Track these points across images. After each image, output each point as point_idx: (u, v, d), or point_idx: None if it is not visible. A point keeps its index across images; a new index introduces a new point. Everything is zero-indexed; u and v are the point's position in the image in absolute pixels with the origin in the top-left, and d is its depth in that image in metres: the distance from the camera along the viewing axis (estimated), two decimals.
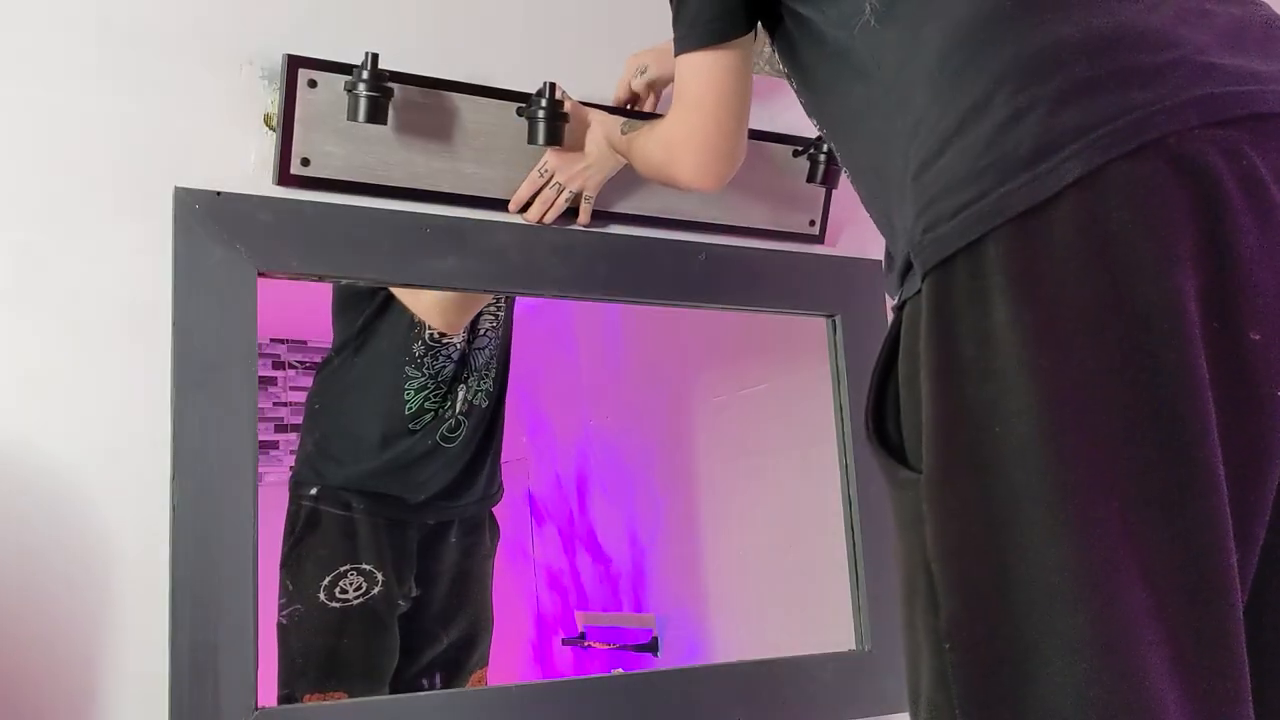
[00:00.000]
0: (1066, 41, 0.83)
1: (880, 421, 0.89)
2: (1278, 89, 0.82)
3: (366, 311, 1.70)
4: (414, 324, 1.70)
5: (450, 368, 1.74)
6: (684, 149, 1.14)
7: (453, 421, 1.76)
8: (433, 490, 1.78)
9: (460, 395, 1.76)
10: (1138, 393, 0.75)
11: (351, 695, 1.62)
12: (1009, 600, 0.75)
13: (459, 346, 1.74)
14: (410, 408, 1.72)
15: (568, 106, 1.37)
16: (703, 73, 1.08)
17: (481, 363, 1.79)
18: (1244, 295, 0.77)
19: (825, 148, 1.55)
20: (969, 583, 0.78)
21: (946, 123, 0.85)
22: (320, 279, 1.34)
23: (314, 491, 1.70)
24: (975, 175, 0.82)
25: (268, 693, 1.24)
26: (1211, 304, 0.76)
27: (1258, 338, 0.77)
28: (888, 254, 0.97)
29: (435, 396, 1.73)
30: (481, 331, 1.78)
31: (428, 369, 1.72)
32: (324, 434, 1.75)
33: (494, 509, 1.90)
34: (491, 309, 1.77)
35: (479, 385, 1.79)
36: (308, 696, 1.60)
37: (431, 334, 1.71)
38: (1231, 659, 0.74)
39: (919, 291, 0.85)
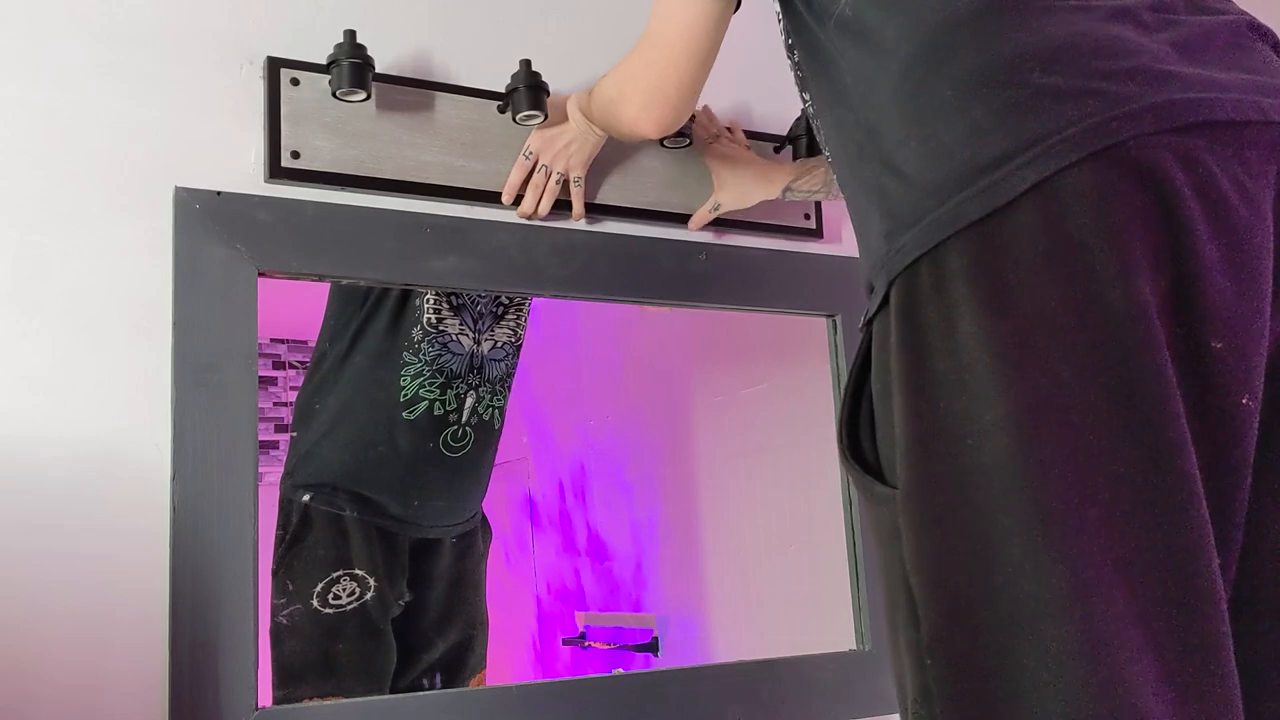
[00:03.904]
0: (1024, 50, 0.82)
1: (855, 438, 0.89)
2: (1237, 97, 0.81)
3: (366, 304, 1.70)
4: (414, 309, 1.70)
5: (452, 361, 1.73)
6: (637, 86, 1.14)
7: (458, 430, 1.75)
8: (430, 501, 1.77)
9: (469, 403, 1.75)
10: (1112, 399, 0.74)
11: (349, 699, 1.62)
12: (989, 613, 0.74)
13: (458, 339, 1.73)
14: (405, 394, 1.71)
15: (551, 102, 1.38)
16: (678, 17, 1.08)
17: (496, 376, 1.78)
18: (1205, 304, 0.77)
19: (805, 127, 1.57)
20: (948, 596, 0.77)
21: (907, 132, 0.86)
22: (320, 279, 1.34)
23: (306, 497, 1.69)
24: (935, 185, 0.82)
25: (264, 698, 1.23)
26: (1174, 312, 0.76)
27: (1219, 346, 0.76)
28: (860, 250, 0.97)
29: (433, 386, 1.72)
30: (500, 343, 1.77)
31: (424, 355, 1.71)
32: (319, 432, 1.74)
33: (495, 511, 1.90)
34: (511, 322, 1.77)
35: (492, 400, 1.78)
36: (306, 700, 1.59)
37: (429, 319, 1.71)
38: (1219, 665, 0.73)
39: (885, 304, 0.85)
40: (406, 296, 1.67)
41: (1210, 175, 0.78)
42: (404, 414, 1.72)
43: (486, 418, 1.77)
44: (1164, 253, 0.76)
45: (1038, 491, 0.73)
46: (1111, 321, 0.74)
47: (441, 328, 1.71)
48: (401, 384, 1.70)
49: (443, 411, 1.74)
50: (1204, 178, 0.78)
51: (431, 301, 1.70)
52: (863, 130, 0.91)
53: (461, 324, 1.74)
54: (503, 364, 1.78)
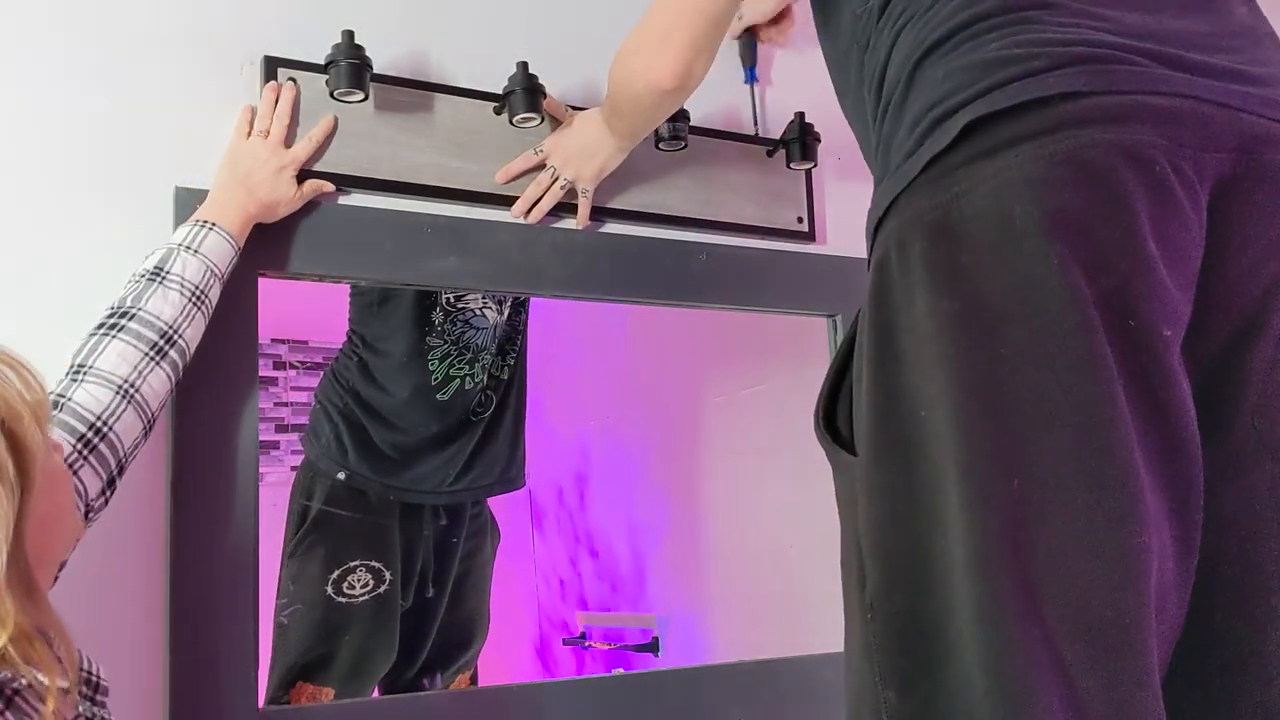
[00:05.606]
0: (988, 57, 0.85)
1: (831, 413, 0.93)
2: (1203, 81, 0.82)
3: (385, 296, 1.70)
4: (429, 293, 1.69)
5: (477, 336, 1.73)
6: (649, 35, 1.14)
7: (481, 396, 1.76)
8: (461, 469, 1.78)
9: (490, 369, 1.76)
10: (1043, 380, 0.77)
11: (341, 688, 1.62)
12: (927, 576, 0.78)
13: (481, 313, 1.73)
14: (436, 377, 1.72)
15: (548, 104, 1.39)
16: None
17: (508, 335, 1.79)
18: (1153, 294, 0.78)
19: (798, 130, 1.58)
20: (891, 555, 0.81)
21: (891, 131, 0.91)
22: (320, 279, 1.34)
23: (329, 485, 1.69)
24: (900, 177, 0.87)
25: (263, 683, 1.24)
26: (1123, 302, 0.78)
27: (1169, 334, 0.79)
28: None
29: (460, 363, 1.73)
30: (515, 304, 1.79)
31: (448, 335, 1.71)
32: (351, 423, 1.73)
33: (495, 512, 1.90)
34: None
35: (504, 360, 1.79)
36: (300, 684, 1.59)
37: (448, 299, 1.71)
38: (1134, 635, 0.74)
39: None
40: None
41: (1162, 174, 0.79)
42: (438, 396, 1.72)
43: (503, 377, 1.78)
44: (1111, 249, 0.78)
45: (963, 463, 0.77)
46: (1047, 309, 0.77)
47: (461, 305, 1.71)
48: (430, 368, 1.71)
49: (472, 385, 1.74)
50: (1155, 171, 0.79)
51: None
52: (868, 132, 0.97)
53: (484, 297, 1.73)
54: (514, 322, 1.79)
